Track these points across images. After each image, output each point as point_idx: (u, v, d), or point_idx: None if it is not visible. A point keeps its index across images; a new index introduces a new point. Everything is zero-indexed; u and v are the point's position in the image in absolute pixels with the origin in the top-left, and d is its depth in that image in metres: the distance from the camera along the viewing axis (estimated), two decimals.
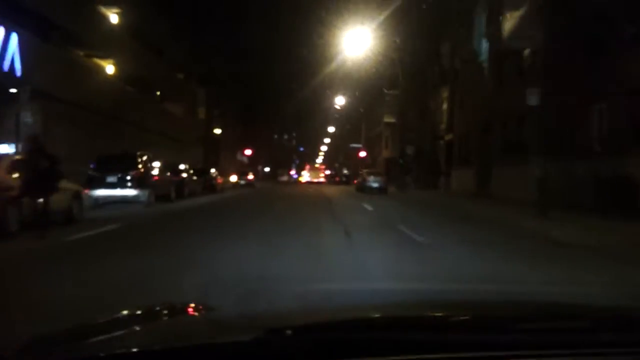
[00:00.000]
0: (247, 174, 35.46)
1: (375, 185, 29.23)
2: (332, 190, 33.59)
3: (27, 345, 1.21)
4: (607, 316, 1.48)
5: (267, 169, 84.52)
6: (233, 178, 34.79)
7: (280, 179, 79.12)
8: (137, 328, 1.41)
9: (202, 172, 24.90)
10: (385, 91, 45.35)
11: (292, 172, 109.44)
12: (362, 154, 52.98)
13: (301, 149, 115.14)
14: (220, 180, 29.98)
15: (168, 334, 1.31)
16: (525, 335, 1.22)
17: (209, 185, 25.15)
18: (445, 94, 32.53)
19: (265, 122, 72.32)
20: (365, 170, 32.56)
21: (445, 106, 32.67)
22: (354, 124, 64.92)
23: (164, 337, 1.27)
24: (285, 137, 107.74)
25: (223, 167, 49.85)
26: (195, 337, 1.23)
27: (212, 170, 27.70)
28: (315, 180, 66.92)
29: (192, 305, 1.62)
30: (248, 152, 54.05)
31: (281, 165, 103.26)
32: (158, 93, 34.77)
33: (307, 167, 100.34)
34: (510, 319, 1.40)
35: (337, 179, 62.08)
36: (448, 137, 31.65)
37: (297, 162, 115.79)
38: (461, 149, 28.77)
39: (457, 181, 28.58)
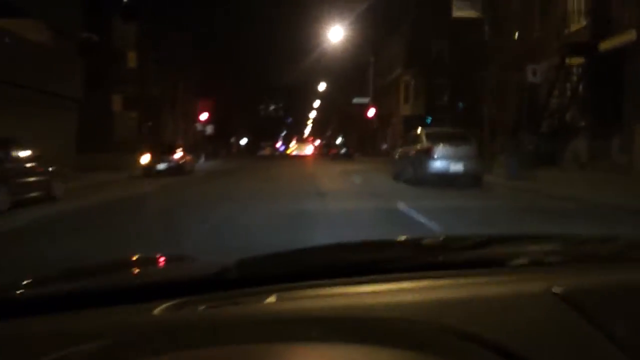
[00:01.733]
0: (172, 152, 18.32)
1: (456, 168, 12.38)
2: (332, 178, 17.25)
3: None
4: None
5: (243, 142, 67.54)
6: (145, 159, 18.01)
7: (260, 153, 62.45)
8: (100, 275, 1.31)
9: None
10: None
11: (279, 145, 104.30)
12: (371, 112, 36.20)
13: (289, 119, 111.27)
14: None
15: (137, 275, 1.28)
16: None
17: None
18: None
19: (242, 84, 55.44)
20: (425, 132, 13.99)
21: None
22: (353, 76, 47.55)
23: (132, 277, 1.23)
24: (272, 107, 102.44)
25: (167, 141, 33.31)
26: (162, 274, 1.24)
27: None
28: (302, 153, 61.82)
29: (166, 256, 1.46)
30: (203, 116, 36.95)
31: (266, 137, 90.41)
32: None
33: (295, 139, 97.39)
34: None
35: (334, 151, 45.37)
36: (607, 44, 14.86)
37: (285, 133, 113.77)
38: None
39: None
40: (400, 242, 1.44)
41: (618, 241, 1.32)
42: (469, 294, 0.95)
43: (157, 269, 1.39)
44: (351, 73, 45.65)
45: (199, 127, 45.82)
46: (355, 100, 39.20)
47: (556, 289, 0.93)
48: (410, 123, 36.16)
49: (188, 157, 19.50)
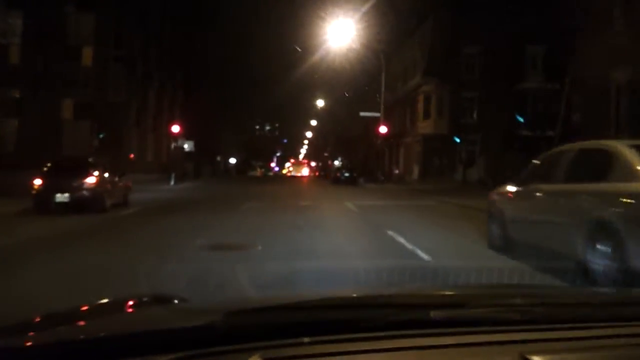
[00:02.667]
0: (83, 173, 11.21)
1: None
2: (361, 234, 10.12)
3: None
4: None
5: (232, 160, 60.81)
6: (38, 184, 11.07)
7: (251, 173, 55.75)
8: (99, 318, 1.36)
9: None
10: None
11: (273, 165, 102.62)
12: (382, 129, 29.53)
13: (284, 140, 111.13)
14: None
15: (125, 323, 1.28)
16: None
17: None
18: None
19: (230, 97, 49.10)
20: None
21: None
22: (358, 88, 40.97)
23: (120, 325, 1.23)
24: (268, 127, 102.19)
25: (129, 159, 26.67)
26: (150, 324, 1.20)
27: None
28: (298, 174, 62.99)
29: (158, 296, 1.55)
30: (175, 128, 30.05)
31: (260, 157, 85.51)
32: None
33: (292, 161, 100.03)
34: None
35: (336, 174, 38.70)
36: None
37: (280, 154, 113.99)
38: None
39: None
40: (385, 298, 1.44)
41: (595, 300, 1.41)
42: (443, 359, 1.00)
43: (142, 316, 1.36)
44: (356, 84, 39.13)
45: (177, 142, 39.01)
46: (364, 114, 32.52)
47: (530, 355, 0.99)
48: (431, 144, 29.55)
49: (118, 183, 12.54)
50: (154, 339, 1.04)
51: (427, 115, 29.37)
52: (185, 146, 41.58)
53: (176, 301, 1.48)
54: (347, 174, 35.42)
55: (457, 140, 27.18)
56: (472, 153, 28.56)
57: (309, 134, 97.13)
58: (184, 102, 41.01)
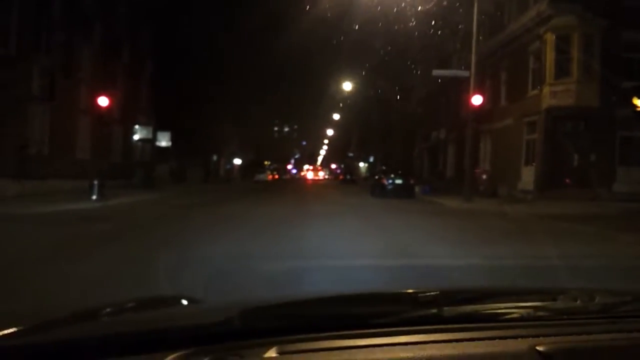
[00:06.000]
0: None
1: None
2: None
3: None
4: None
5: (237, 161, 48.23)
6: None
7: (257, 178, 43.15)
8: (115, 318, 1.37)
9: None
10: None
11: (290, 167, 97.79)
12: (477, 98, 16.27)
13: (303, 142, 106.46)
14: None
15: (142, 321, 1.28)
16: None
17: None
18: None
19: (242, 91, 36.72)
20: None
21: None
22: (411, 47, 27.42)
23: (137, 323, 1.24)
24: (286, 129, 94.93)
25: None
26: (167, 321, 1.20)
27: None
28: (315, 177, 70.14)
29: (174, 297, 1.56)
30: (103, 101, 16.78)
31: (275, 158, 74.53)
32: None
33: (312, 167, 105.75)
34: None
35: (379, 182, 25.66)
36: None
37: (298, 157, 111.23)
38: None
39: None
40: (397, 295, 1.45)
41: (606, 296, 1.35)
42: (457, 352, 1.01)
43: (161, 314, 1.36)
44: (407, 37, 25.57)
45: (140, 133, 26.27)
46: (438, 72, 19.19)
47: (540, 347, 1.01)
48: (564, 125, 16.33)
49: None
50: (169, 335, 1.05)
51: (560, 73, 16.12)
52: (162, 141, 28.96)
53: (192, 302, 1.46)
54: (399, 181, 22.27)
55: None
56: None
57: (329, 132, 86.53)
58: (155, 76, 28.32)
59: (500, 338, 1.07)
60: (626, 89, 14.31)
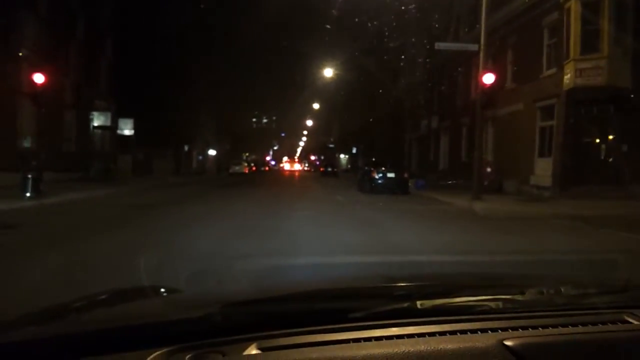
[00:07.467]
0: None
1: None
2: None
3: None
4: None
5: (212, 152, 45.33)
6: None
7: (233, 170, 40.35)
8: (94, 310, 1.34)
9: None
10: None
11: (269, 159, 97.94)
12: (488, 77, 13.72)
13: (282, 134, 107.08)
14: None
15: (124, 315, 1.26)
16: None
17: None
18: None
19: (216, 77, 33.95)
20: None
21: None
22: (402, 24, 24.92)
23: (119, 317, 1.22)
24: (265, 120, 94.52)
25: None
26: (148, 316, 1.20)
27: None
28: (293, 169, 77.53)
29: (151, 287, 1.54)
30: (39, 78, 13.88)
31: (253, 149, 72.36)
32: None
33: (289, 160, 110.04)
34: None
35: (368, 176, 22.82)
36: None
37: (277, 148, 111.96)
38: None
39: None
40: (374, 290, 1.47)
41: (572, 288, 1.36)
42: (430, 348, 1.03)
43: (144, 308, 1.34)
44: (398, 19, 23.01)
45: (98, 120, 23.22)
46: (442, 46, 16.54)
47: (508, 342, 1.05)
48: (589, 111, 13.95)
49: None
50: (151, 332, 1.03)
51: (586, 48, 13.66)
52: (125, 130, 25.95)
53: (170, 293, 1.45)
54: (391, 174, 19.71)
55: None
56: None
57: (309, 122, 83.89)
58: (116, 56, 25.21)
59: (471, 331, 1.11)
60: None
